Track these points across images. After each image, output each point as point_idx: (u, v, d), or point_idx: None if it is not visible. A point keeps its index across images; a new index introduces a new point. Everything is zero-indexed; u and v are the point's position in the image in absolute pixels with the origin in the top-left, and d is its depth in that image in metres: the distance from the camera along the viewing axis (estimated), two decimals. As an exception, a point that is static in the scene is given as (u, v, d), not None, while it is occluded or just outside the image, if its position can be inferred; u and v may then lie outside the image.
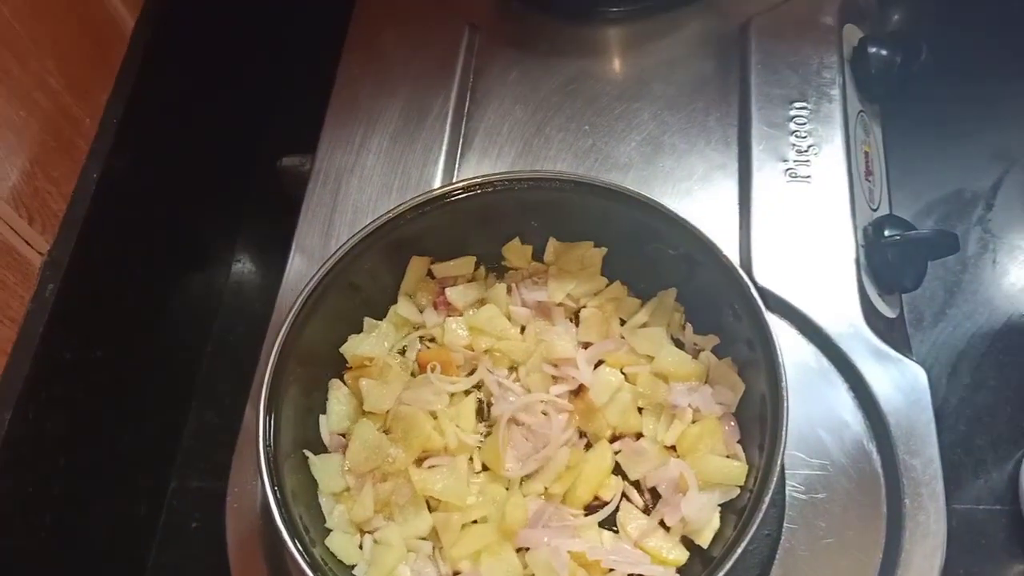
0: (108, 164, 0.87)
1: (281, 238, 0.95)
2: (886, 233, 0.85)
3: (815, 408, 0.79)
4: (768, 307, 0.72)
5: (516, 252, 0.83)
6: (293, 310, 0.75)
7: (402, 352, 0.81)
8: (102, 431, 0.88)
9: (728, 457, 0.72)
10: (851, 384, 0.80)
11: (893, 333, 0.84)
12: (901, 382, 0.79)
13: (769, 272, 0.84)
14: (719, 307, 0.75)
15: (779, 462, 0.66)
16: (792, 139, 0.91)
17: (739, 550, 0.64)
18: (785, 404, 0.67)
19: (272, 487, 0.67)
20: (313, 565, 0.64)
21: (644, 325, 0.79)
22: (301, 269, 0.91)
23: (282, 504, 0.66)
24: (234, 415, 0.85)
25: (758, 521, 0.64)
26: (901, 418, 0.77)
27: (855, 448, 0.77)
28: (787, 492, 0.76)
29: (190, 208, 1.05)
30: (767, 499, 0.65)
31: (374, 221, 0.78)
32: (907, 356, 0.81)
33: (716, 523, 0.69)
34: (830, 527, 0.74)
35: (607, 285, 0.81)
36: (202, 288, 1.10)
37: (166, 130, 0.98)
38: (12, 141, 0.76)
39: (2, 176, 0.75)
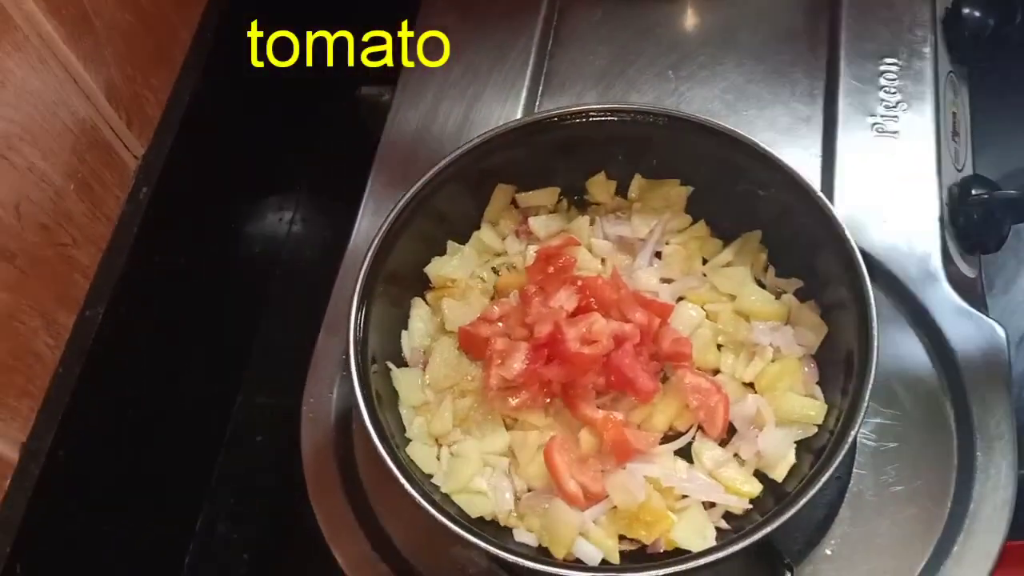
0: (200, 78, 0.88)
1: (353, 168, 0.95)
2: (973, 192, 0.84)
3: (891, 360, 0.78)
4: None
5: (600, 186, 0.83)
6: (383, 228, 0.76)
7: (483, 278, 0.82)
8: (180, 339, 0.90)
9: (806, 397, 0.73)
10: (929, 338, 0.80)
11: (972, 292, 0.83)
12: (979, 338, 0.79)
13: (852, 225, 0.83)
14: (807, 250, 0.75)
15: (865, 403, 0.66)
16: (881, 94, 0.91)
17: (816, 487, 0.64)
18: (875, 346, 0.67)
19: (362, 389, 0.68)
20: (397, 463, 0.66)
21: (728, 265, 0.79)
22: (379, 197, 0.92)
23: (370, 405, 0.68)
24: (299, 336, 0.86)
25: (839, 460, 0.64)
26: (977, 373, 0.77)
27: (929, 400, 0.78)
28: (859, 438, 0.76)
29: (269, 133, 1.07)
30: (851, 438, 0.64)
31: (463, 145, 0.79)
32: (985, 315, 0.81)
33: (791, 459, 0.70)
34: (900, 475, 0.75)
35: (691, 224, 0.82)
36: (275, 213, 1.12)
37: (255, 51, 0.99)
38: (118, 42, 0.78)
39: (107, 76, 0.77)
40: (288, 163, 1.15)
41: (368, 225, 0.90)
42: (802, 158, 0.90)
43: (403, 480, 0.64)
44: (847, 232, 0.71)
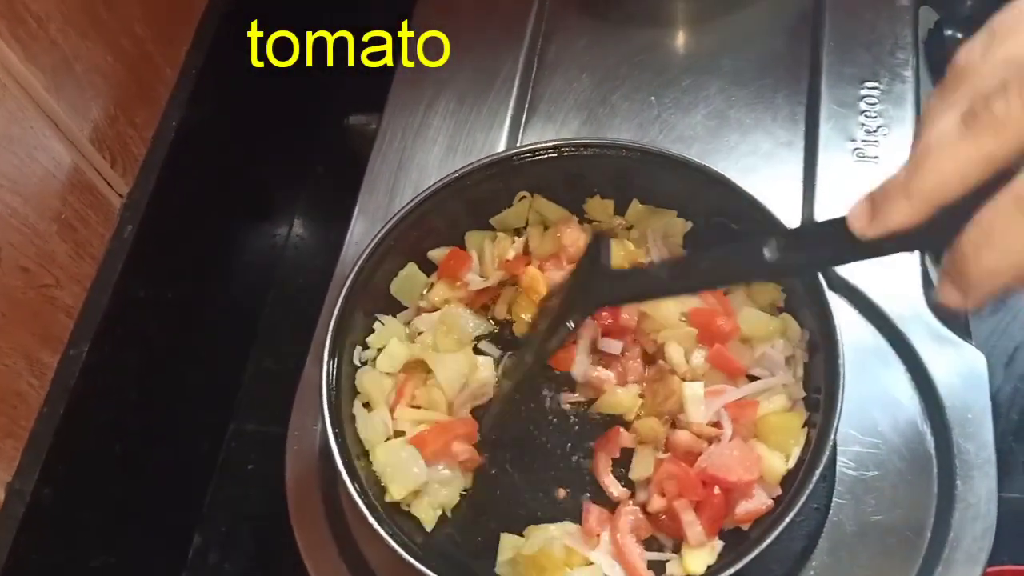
0: (186, 113, 0.89)
1: (343, 196, 0.96)
2: (953, 217, 0.84)
3: (871, 387, 0.79)
4: (829, 286, 0.72)
5: (597, 207, 0.83)
6: (359, 262, 0.77)
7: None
8: (170, 370, 0.92)
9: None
10: (909, 366, 0.80)
11: (954, 319, 0.83)
12: (960, 366, 0.78)
13: (831, 250, 0.84)
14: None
15: (830, 442, 0.66)
16: (861, 119, 0.91)
17: (778, 530, 0.64)
18: (841, 384, 0.67)
19: (334, 430, 0.69)
20: (370, 506, 0.67)
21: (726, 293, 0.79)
22: (365, 226, 0.93)
23: (343, 449, 0.69)
24: (292, 363, 0.87)
25: (801, 502, 0.64)
26: (957, 401, 0.77)
27: (909, 428, 0.77)
28: (838, 468, 0.76)
29: (258, 162, 1.08)
30: (814, 479, 0.64)
31: (439, 182, 0.80)
32: (967, 341, 0.80)
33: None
34: (879, 504, 0.75)
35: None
36: (265, 241, 1.13)
37: (239, 85, 1.00)
38: (100, 85, 0.79)
39: (89, 118, 0.78)
40: (280, 190, 1.17)
41: (354, 253, 0.90)
42: (783, 184, 0.90)
43: (380, 529, 0.66)
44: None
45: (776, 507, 0.67)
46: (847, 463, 0.77)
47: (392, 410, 0.76)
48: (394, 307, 0.82)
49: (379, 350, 0.78)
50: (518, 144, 0.95)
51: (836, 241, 0.51)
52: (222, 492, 1.00)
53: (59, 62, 0.74)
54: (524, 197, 0.82)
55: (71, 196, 0.76)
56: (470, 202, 0.82)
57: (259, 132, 1.06)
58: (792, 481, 0.67)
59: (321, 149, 1.19)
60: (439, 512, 0.74)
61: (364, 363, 0.77)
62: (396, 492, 0.71)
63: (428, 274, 0.83)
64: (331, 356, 0.72)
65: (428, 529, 0.73)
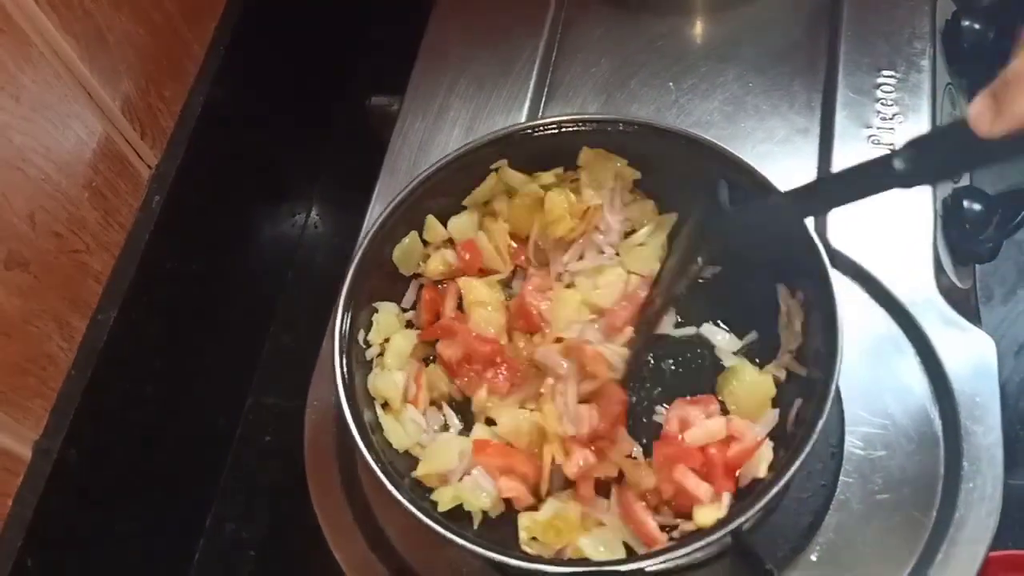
0: (213, 89, 0.91)
1: (362, 178, 0.98)
2: (965, 203, 0.85)
3: (881, 370, 0.80)
4: (841, 271, 0.74)
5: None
6: (373, 229, 0.78)
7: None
8: (192, 341, 0.93)
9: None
10: (919, 349, 0.81)
11: (965, 304, 0.84)
12: (970, 350, 0.79)
13: (844, 236, 0.85)
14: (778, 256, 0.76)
15: (830, 399, 0.66)
16: (877, 106, 0.92)
17: (764, 499, 0.64)
18: (840, 341, 0.67)
19: (347, 397, 0.71)
20: (379, 462, 0.68)
21: (641, 245, 0.80)
22: (385, 206, 0.94)
23: (355, 412, 0.71)
24: (309, 341, 0.88)
25: (803, 456, 0.65)
26: (966, 385, 0.78)
27: (918, 411, 0.79)
28: (846, 447, 0.77)
29: (280, 142, 1.10)
30: (812, 439, 0.65)
31: (445, 157, 0.81)
32: (977, 327, 0.81)
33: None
34: (886, 484, 0.76)
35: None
36: (286, 220, 1.15)
37: (265, 64, 1.02)
38: (131, 56, 0.81)
39: (120, 89, 0.80)
40: (301, 170, 1.18)
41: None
42: (798, 170, 0.91)
43: (383, 477, 0.67)
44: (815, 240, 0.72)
45: (779, 458, 0.68)
46: (855, 443, 0.78)
47: (415, 401, 0.77)
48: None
49: (381, 345, 0.79)
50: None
51: (964, 146, 0.51)
52: (240, 463, 1.02)
53: (92, 31, 0.76)
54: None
55: (102, 165, 0.78)
56: (479, 176, 0.83)
57: (281, 113, 1.08)
58: (794, 439, 0.68)
59: (345, 129, 1.20)
60: (458, 504, 0.73)
61: (370, 361, 0.78)
62: (421, 468, 0.73)
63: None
64: (345, 308, 0.74)
65: (441, 510, 0.72)
